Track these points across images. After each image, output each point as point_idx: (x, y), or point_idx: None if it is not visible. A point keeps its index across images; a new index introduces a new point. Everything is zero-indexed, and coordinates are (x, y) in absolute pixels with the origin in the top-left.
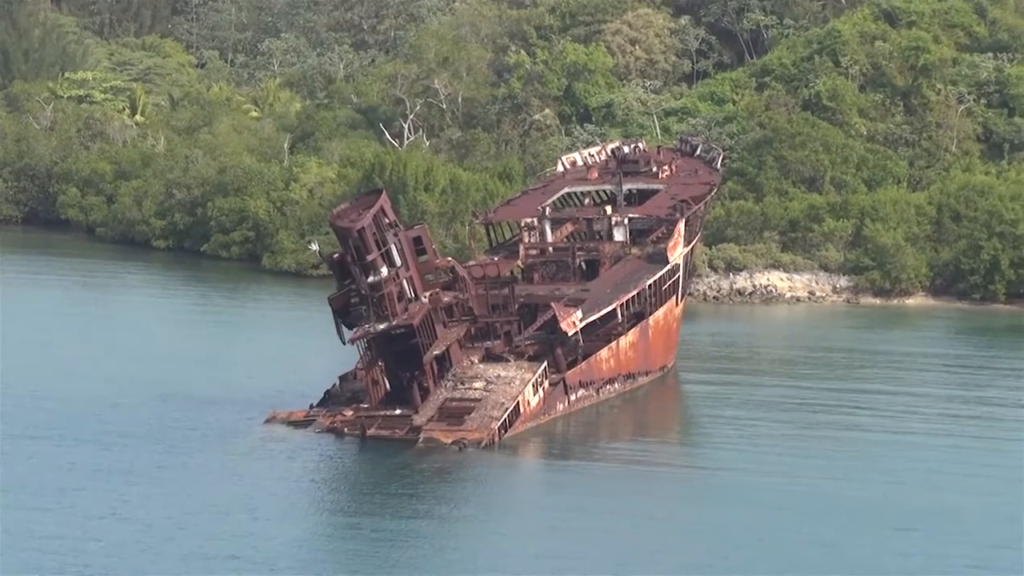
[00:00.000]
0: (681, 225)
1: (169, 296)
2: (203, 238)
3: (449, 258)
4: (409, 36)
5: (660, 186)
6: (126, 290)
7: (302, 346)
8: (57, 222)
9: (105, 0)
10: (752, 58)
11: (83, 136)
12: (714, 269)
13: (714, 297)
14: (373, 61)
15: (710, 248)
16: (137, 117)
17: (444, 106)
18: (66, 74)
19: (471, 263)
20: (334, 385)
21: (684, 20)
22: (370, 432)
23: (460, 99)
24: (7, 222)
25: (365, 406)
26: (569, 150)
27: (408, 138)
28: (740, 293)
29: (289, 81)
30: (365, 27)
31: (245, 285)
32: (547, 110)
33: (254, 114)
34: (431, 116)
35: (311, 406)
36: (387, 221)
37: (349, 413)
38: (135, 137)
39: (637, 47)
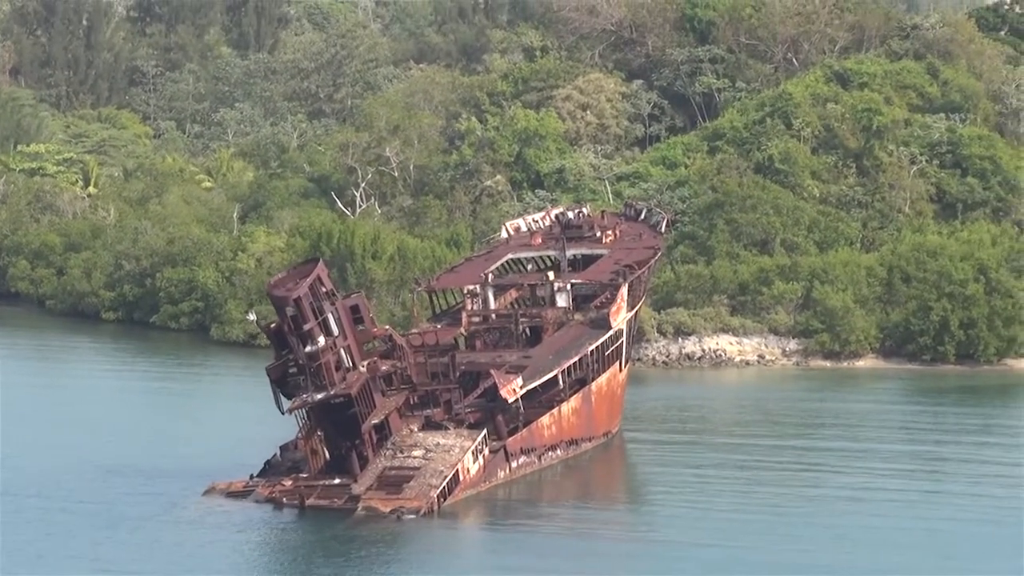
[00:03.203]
0: (624, 290)
1: (117, 368)
2: (152, 309)
3: (387, 326)
4: (364, 104)
5: (604, 251)
6: (74, 362)
7: (246, 416)
8: (7, 295)
9: (62, 72)
10: (705, 121)
11: (33, 209)
12: (663, 334)
13: (663, 362)
14: (327, 130)
15: (659, 312)
16: (90, 189)
17: (396, 174)
18: (19, 147)
19: (412, 331)
20: (275, 455)
21: (636, 84)
22: (309, 502)
23: (412, 166)
24: None
25: (304, 476)
26: (521, 216)
27: (360, 206)
28: (689, 358)
29: (243, 151)
30: (322, 96)
31: (193, 356)
32: (498, 176)
33: (207, 184)
34: (383, 184)
35: (251, 476)
36: (324, 290)
37: (288, 483)
38: (86, 209)
39: (588, 112)
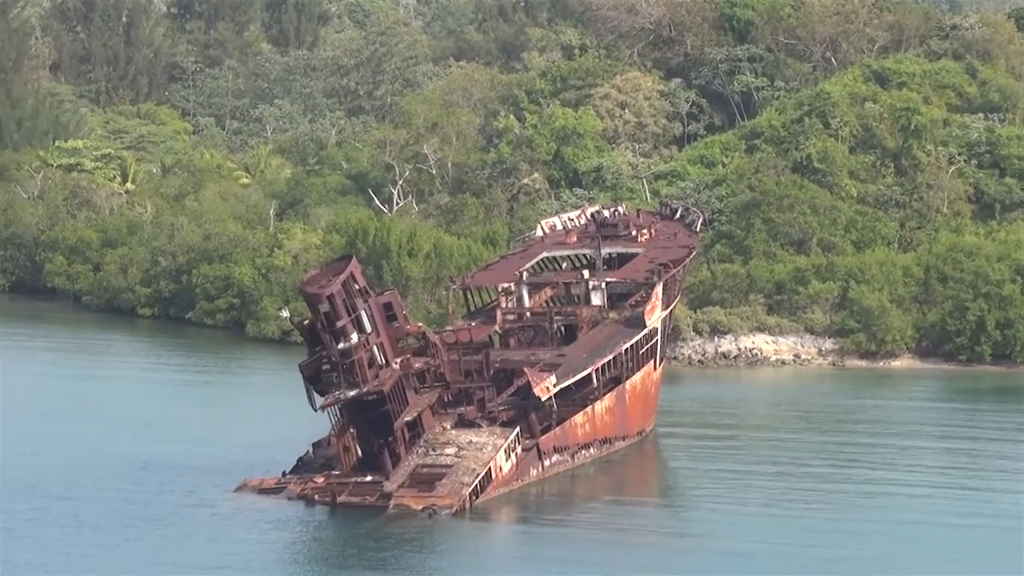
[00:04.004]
0: (659, 289)
1: (152, 364)
2: (188, 305)
3: (420, 324)
4: (403, 102)
5: (639, 250)
6: (109, 358)
7: (280, 413)
8: (44, 291)
9: (102, 69)
10: (743, 120)
11: (70, 204)
12: (699, 332)
13: (699, 361)
14: (366, 127)
15: (695, 311)
16: (128, 185)
17: (433, 171)
18: (57, 142)
19: (446, 328)
20: (307, 452)
21: (674, 83)
22: (340, 499)
23: (449, 164)
24: None
25: (337, 473)
26: (557, 214)
27: (397, 203)
28: (725, 356)
29: (281, 147)
30: (362, 93)
31: (228, 352)
32: (536, 174)
33: (245, 181)
34: (420, 181)
35: (283, 473)
36: (357, 287)
37: (320, 480)
38: (123, 205)
39: (626, 111)
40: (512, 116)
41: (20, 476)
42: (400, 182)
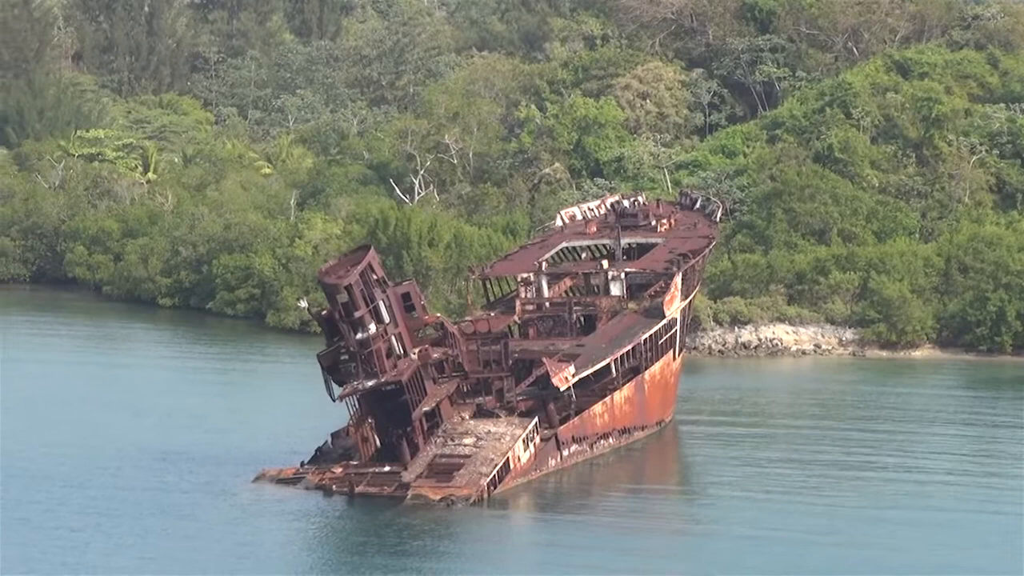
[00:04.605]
0: (678, 279)
1: (172, 354)
2: (208, 295)
3: (438, 314)
4: (424, 92)
5: (658, 240)
6: (129, 348)
7: (299, 403)
8: (64, 280)
9: (124, 59)
10: (764, 110)
11: (91, 194)
12: (719, 323)
13: (719, 351)
14: (387, 117)
15: (716, 301)
16: (149, 175)
17: (455, 161)
18: (79, 132)
19: (465, 319)
20: (326, 442)
21: (696, 73)
22: (358, 489)
23: (471, 154)
24: (15, 281)
25: (355, 463)
26: (576, 204)
27: (419, 193)
28: (745, 347)
29: (303, 137)
30: (384, 83)
31: (248, 342)
32: (557, 164)
33: (267, 170)
34: (442, 171)
35: (302, 463)
36: (375, 277)
37: (338, 470)
38: (144, 195)
39: (648, 101)
40: (534, 106)
41: (39, 466)
42: (421, 172)
